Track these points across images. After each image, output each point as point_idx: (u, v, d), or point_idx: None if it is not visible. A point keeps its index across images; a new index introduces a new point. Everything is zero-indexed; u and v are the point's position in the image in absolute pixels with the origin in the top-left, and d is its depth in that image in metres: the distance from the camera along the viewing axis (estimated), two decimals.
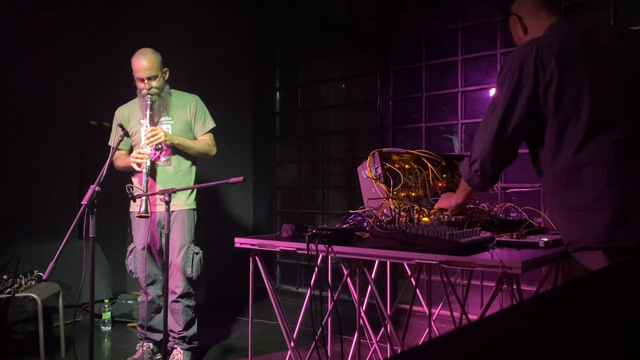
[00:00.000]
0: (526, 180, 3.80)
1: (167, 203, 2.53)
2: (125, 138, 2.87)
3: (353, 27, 4.96)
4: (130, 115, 3.23)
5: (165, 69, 3.19)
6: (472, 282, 2.95)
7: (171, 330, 3.18)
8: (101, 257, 4.36)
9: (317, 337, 2.12)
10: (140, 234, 3.19)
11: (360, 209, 2.26)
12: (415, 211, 2.08)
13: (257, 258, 2.31)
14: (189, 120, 3.22)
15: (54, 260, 2.20)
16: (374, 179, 2.23)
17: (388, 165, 2.25)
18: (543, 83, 1.64)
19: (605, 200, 1.61)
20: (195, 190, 3.25)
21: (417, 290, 2.73)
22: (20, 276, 3.28)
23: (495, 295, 1.81)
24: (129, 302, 4.32)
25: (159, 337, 3.22)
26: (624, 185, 1.60)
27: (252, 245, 2.26)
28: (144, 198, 2.89)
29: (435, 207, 2.17)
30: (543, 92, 1.65)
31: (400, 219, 2.05)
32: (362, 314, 2.26)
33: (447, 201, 2.14)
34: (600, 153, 1.61)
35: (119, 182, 3.01)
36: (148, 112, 3.07)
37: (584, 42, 1.69)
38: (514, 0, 1.90)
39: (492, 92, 4.04)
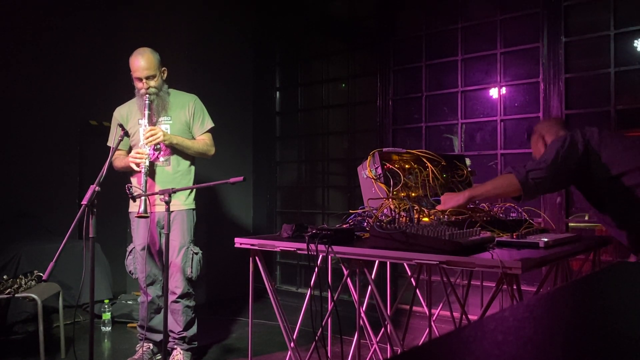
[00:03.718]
0: None
1: (167, 203, 2.53)
2: (125, 138, 2.86)
3: (353, 27, 4.96)
4: (129, 116, 3.23)
5: (163, 69, 3.18)
6: (472, 283, 2.95)
7: (171, 331, 3.18)
8: (101, 257, 4.35)
9: (317, 337, 2.12)
10: (139, 234, 3.19)
11: (360, 209, 2.26)
12: (415, 211, 2.08)
13: (257, 258, 2.31)
14: (188, 120, 3.22)
15: (54, 261, 2.19)
16: (374, 179, 2.23)
17: (388, 165, 2.25)
18: (593, 144, 2.18)
19: None
20: (194, 190, 3.24)
21: (417, 291, 2.72)
22: (20, 276, 3.27)
23: (495, 296, 1.81)
24: (129, 302, 4.32)
25: (159, 337, 3.22)
26: None
27: (252, 245, 2.26)
28: (143, 198, 2.88)
29: (438, 207, 2.16)
30: (595, 150, 2.17)
31: (400, 219, 2.05)
32: (362, 314, 2.25)
33: (454, 200, 2.12)
34: None
35: (119, 182, 3.01)
36: (146, 112, 3.06)
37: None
38: (539, 123, 2.58)
39: (492, 91, 4.04)
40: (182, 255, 3.17)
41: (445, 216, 2.10)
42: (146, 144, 3.01)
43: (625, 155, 2.18)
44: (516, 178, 2.08)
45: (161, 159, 3.14)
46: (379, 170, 2.23)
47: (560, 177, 2.17)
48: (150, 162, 3.05)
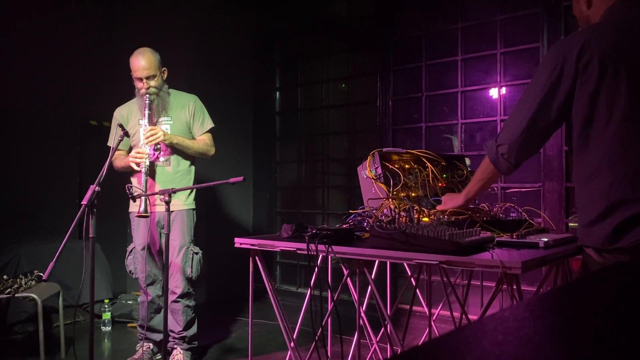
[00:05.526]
0: (526, 180, 3.80)
1: (167, 203, 2.53)
2: (125, 138, 2.87)
3: (353, 27, 4.96)
4: (129, 116, 3.23)
5: (163, 69, 3.18)
6: (472, 282, 2.95)
7: (171, 331, 3.18)
8: (101, 257, 4.36)
9: (317, 337, 2.12)
10: (139, 234, 3.19)
11: (360, 209, 2.26)
12: (415, 211, 2.08)
13: (257, 258, 2.31)
14: (188, 120, 3.22)
15: (54, 260, 2.19)
16: (374, 179, 2.23)
17: (388, 165, 2.25)
18: (581, 80, 1.62)
19: None
20: (194, 190, 3.25)
21: (417, 291, 2.73)
22: (20, 276, 3.28)
23: (495, 296, 1.81)
24: (129, 302, 4.32)
25: (159, 337, 3.22)
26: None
27: (252, 245, 2.26)
28: (143, 198, 2.89)
29: (439, 208, 2.15)
30: (578, 88, 1.63)
31: (400, 219, 2.05)
32: (362, 314, 2.25)
33: (454, 201, 2.11)
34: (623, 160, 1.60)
35: (119, 182, 3.01)
36: (147, 112, 3.07)
37: (634, 42, 1.65)
38: None
39: (492, 91, 4.04)
40: (182, 255, 3.17)
41: (445, 216, 2.10)
42: (146, 143, 3.02)
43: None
44: (489, 159, 1.85)
45: (161, 158, 3.14)
46: (379, 170, 2.23)
47: (536, 141, 1.79)
48: (150, 162, 3.05)
